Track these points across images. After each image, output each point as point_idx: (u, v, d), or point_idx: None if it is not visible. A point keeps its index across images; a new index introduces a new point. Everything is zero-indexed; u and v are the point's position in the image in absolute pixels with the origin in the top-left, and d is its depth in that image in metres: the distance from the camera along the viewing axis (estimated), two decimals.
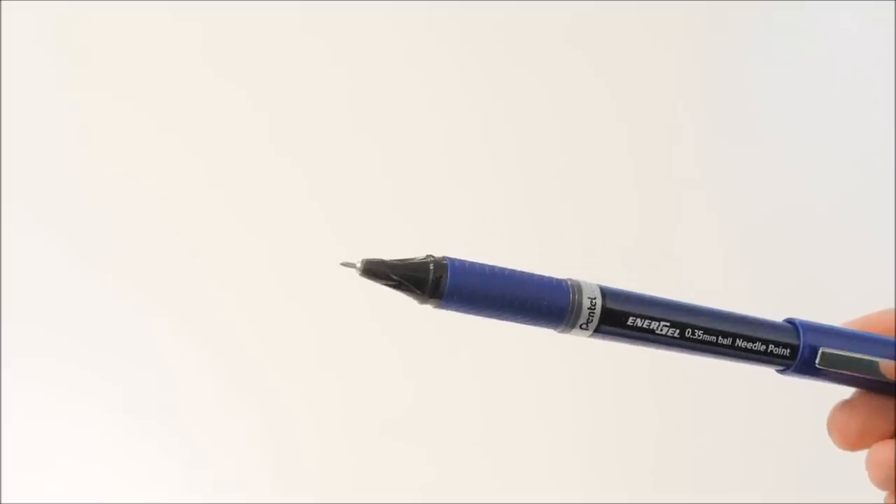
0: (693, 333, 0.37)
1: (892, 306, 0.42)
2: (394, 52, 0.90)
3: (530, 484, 0.84)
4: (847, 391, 0.42)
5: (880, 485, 0.40)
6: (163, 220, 0.85)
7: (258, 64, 0.88)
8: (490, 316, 0.35)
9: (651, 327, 0.36)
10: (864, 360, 0.40)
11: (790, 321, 0.40)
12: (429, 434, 0.84)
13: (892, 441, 0.40)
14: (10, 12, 0.85)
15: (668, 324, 0.37)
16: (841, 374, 0.40)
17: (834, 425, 0.42)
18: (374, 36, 0.90)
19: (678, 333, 0.37)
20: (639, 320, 0.36)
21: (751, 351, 0.38)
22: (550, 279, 0.35)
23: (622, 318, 0.36)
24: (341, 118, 0.88)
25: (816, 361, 0.39)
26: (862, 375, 0.40)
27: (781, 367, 0.40)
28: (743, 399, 0.86)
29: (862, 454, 0.42)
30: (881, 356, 0.40)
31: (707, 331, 0.37)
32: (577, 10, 0.92)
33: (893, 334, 0.41)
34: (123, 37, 0.87)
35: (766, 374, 0.85)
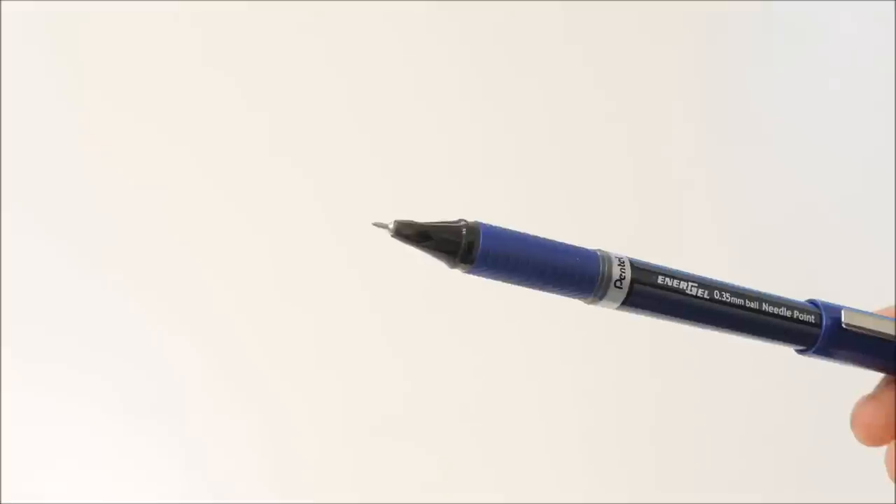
0: (721, 296, 0.38)
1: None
2: (394, 51, 0.90)
3: (531, 482, 0.84)
4: (865, 390, 0.42)
5: None
6: (162, 220, 0.85)
7: (258, 64, 0.88)
8: (519, 282, 0.35)
9: (681, 287, 0.37)
10: (884, 319, 0.41)
11: (810, 301, 0.41)
12: (428, 432, 0.84)
13: None
14: (9, 12, 0.85)
15: (696, 284, 0.38)
16: (866, 334, 0.40)
17: (859, 420, 0.42)
18: (374, 36, 0.90)
19: (707, 295, 0.38)
20: (668, 279, 0.37)
21: (777, 317, 0.39)
22: (580, 248, 0.36)
23: (653, 276, 0.37)
24: (341, 117, 0.88)
25: (842, 320, 0.40)
26: (883, 333, 0.40)
27: (803, 348, 0.40)
28: (745, 398, 0.86)
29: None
30: None
31: (734, 293, 0.38)
32: (577, 9, 0.92)
33: None
34: (123, 37, 0.87)
35: (770, 376, 0.85)
